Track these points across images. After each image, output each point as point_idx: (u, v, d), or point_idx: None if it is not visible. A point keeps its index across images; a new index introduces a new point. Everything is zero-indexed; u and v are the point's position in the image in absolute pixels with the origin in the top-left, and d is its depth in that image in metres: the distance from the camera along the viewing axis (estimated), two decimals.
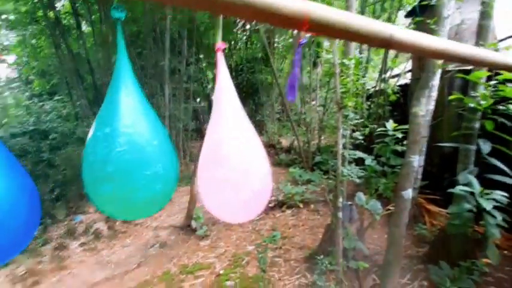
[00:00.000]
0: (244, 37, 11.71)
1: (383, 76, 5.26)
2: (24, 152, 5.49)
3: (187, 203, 4.41)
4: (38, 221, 0.41)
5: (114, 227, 4.43)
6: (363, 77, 2.69)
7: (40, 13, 6.59)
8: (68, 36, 7.04)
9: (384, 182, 2.38)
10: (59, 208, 5.02)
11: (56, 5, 6.78)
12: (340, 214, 2.29)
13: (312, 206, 4.66)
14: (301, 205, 4.64)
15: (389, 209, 2.84)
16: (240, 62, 10.71)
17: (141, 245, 3.96)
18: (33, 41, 7.58)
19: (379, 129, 2.45)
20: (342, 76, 2.15)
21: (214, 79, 12.95)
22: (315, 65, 8.07)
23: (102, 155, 0.54)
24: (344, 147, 2.45)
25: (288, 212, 4.54)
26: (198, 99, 12.17)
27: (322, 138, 7.53)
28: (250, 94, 11.55)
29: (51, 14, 6.56)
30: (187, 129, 8.05)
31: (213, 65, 12.37)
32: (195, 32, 7.31)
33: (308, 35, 0.55)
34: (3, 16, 7.00)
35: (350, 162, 2.59)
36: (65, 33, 6.82)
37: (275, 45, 10.26)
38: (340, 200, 2.31)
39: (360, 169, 2.58)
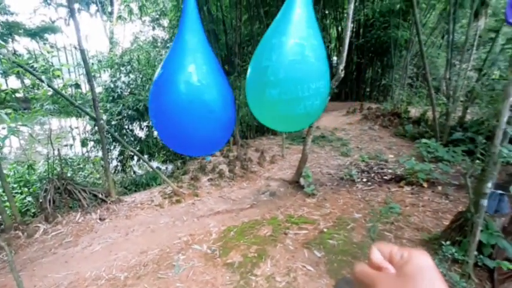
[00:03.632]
0: None
1: None
2: None
3: (297, 161, 4.57)
4: (234, 121, 0.47)
5: (234, 170, 5.09)
6: None
7: None
8: (210, 1, 7.85)
9: None
10: None
11: None
12: (484, 202, 1.86)
13: (440, 187, 3.98)
14: (425, 184, 4.03)
15: None
16: (372, 16, 9.43)
17: (255, 190, 4.44)
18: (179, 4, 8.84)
19: None
20: None
21: (337, 37, 12.04)
22: (476, 15, 6.23)
23: (276, 61, 0.58)
24: (509, 123, 1.88)
25: (407, 188, 4.05)
26: None
27: (469, 111, 6.07)
28: (378, 54, 10.26)
29: None
30: None
31: (338, 21, 11.42)
32: None
33: None
34: None
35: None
36: None
37: None
38: (489, 185, 1.85)
39: None
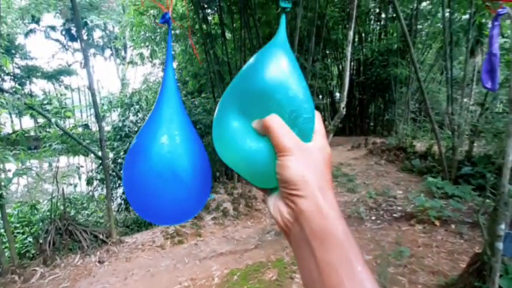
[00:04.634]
0: (378, 27, 10.68)
1: None
2: None
3: None
4: (210, 188, 0.45)
5: (239, 208, 4.99)
6: None
7: (197, 26, 8.10)
8: (215, 44, 8.36)
9: None
10: None
11: (208, 19, 8.17)
12: (500, 245, 1.76)
13: (453, 226, 3.80)
14: (437, 222, 3.86)
15: None
16: (371, 55, 9.84)
17: (260, 229, 4.30)
18: (190, 50, 9.42)
19: None
20: None
21: (338, 75, 12.48)
22: (472, 53, 6.47)
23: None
24: None
25: (418, 227, 3.88)
26: (320, 96, 12.05)
27: (475, 145, 6.01)
28: (379, 90, 10.51)
29: (204, 26, 7.96)
30: None
31: (339, 60, 11.92)
32: (323, 28, 7.21)
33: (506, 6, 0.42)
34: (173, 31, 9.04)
35: None
36: (213, 41, 8.12)
37: (417, 33, 8.85)
38: (503, 226, 1.77)
39: None
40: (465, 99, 6.52)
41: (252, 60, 0.40)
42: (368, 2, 9.80)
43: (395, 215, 4.34)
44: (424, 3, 8.93)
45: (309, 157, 0.37)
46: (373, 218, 4.30)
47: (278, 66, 0.38)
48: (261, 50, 0.40)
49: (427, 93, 6.55)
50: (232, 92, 0.40)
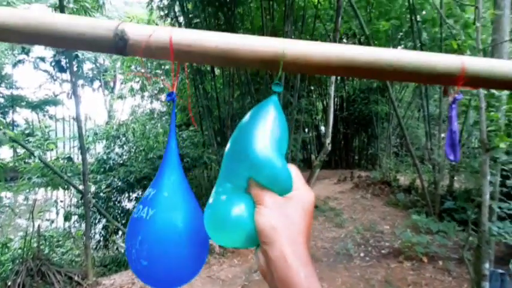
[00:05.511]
0: None
1: None
2: None
3: None
4: (207, 251, 0.46)
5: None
6: None
7: (187, 63, 8.41)
8: (204, 80, 8.63)
9: None
10: None
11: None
12: (486, 285, 1.77)
13: (441, 262, 3.80)
14: (424, 259, 3.86)
15: None
16: (353, 93, 10.37)
17: (246, 268, 4.14)
18: (180, 85, 9.68)
19: None
20: (491, 111, 1.72)
21: (323, 110, 12.97)
22: (445, 92, 6.95)
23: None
24: (492, 198, 1.93)
25: (407, 264, 3.85)
26: (306, 130, 12.36)
27: (456, 179, 6.22)
28: (362, 125, 10.92)
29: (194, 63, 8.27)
30: (295, 159, 8.21)
31: (323, 96, 12.46)
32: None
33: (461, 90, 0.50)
34: (163, 67, 9.32)
35: (502, 218, 2.01)
36: (203, 77, 8.39)
37: None
38: (487, 265, 1.80)
39: None
40: (442, 135, 6.87)
41: (243, 129, 0.45)
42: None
43: (383, 251, 4.31)
44: (399, 47, 9.70)
45: (282, 209, 0.41)
46: (362, 254, 4.25)
47: (265, 144, 0.42)
48: (250, 119, 0.45)
49: (406, 129, 6.87)
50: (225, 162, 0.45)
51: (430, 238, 4.23)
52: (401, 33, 8.54)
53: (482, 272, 1.83)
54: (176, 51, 0.42)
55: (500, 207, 1.93)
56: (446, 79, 0.51)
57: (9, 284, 3.44)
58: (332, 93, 4.00)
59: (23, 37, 0.42)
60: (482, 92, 1.86)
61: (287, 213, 0.40)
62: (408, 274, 3.60)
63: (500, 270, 2.20)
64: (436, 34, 6.53)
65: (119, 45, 0.41)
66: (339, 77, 11.04)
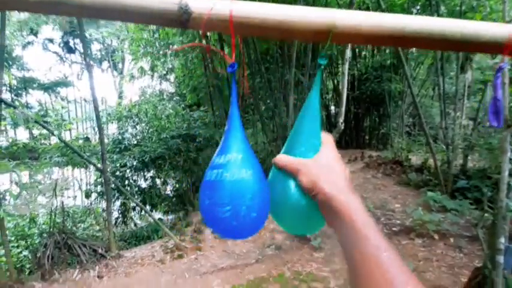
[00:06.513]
0: None
1: None
2: (179, 150, 6.96)
3: None
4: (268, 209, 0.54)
5: None
6: None
7: (197, 41, 8.27)
8: (214, 59, 8.52)
9: None
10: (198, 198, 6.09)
11: (208, 35, 8.36)
12: (500, 258, 1.81)
13: (452, 239, 3.85)
14: (435, 236, 3.92)
15: None
16: (365, 71, 10.10)
17: (260, 243, 4.29)
18: (189, 64, 9.58)
19: None
20: None
21: (334, 89, 12.73)
22: (462, 69, 6.70)
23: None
24: (511, 175, 1.93)
25: (418, 241, 3.92)
26: None
27: (469, 158, 6.14)
28: (374, 105, 10.72)
29: (204, 42, 8.13)
30: None
31: (334, 75, 12.19)
32: (318, 44, 7.42)
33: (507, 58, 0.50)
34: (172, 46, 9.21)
35: None
36: (212, 56, 8.28)
37: (409, 50, 9.15)
38: (502, 240, 1.83)
39: None
40: (457, 114, 6.71)
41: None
42: None
43: (394, 228, 4.38)
44: None
45: (316, 164, 0.50)
46: None
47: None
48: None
49: (420, 107, 6.73)
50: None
51: (442, 217, 4.27)
52: (417, 7, 8.14)
53: (497, 246, 1.86)
54: (236, 23, 0.44)
55: None
56: (493, 47, 0.51)
57: (39, 255, 3.68)
58: (346, 71, 3.92)
59: (91, 11, 0.45)
60: (507, 66, 1.81)
61: (321, 165, 0.50)
62: (419, 250, 3.68)
63: None
64: (455, 7, 6.22)
65: (183, 18, 0.43)
66: (350, 54, 10.72)
